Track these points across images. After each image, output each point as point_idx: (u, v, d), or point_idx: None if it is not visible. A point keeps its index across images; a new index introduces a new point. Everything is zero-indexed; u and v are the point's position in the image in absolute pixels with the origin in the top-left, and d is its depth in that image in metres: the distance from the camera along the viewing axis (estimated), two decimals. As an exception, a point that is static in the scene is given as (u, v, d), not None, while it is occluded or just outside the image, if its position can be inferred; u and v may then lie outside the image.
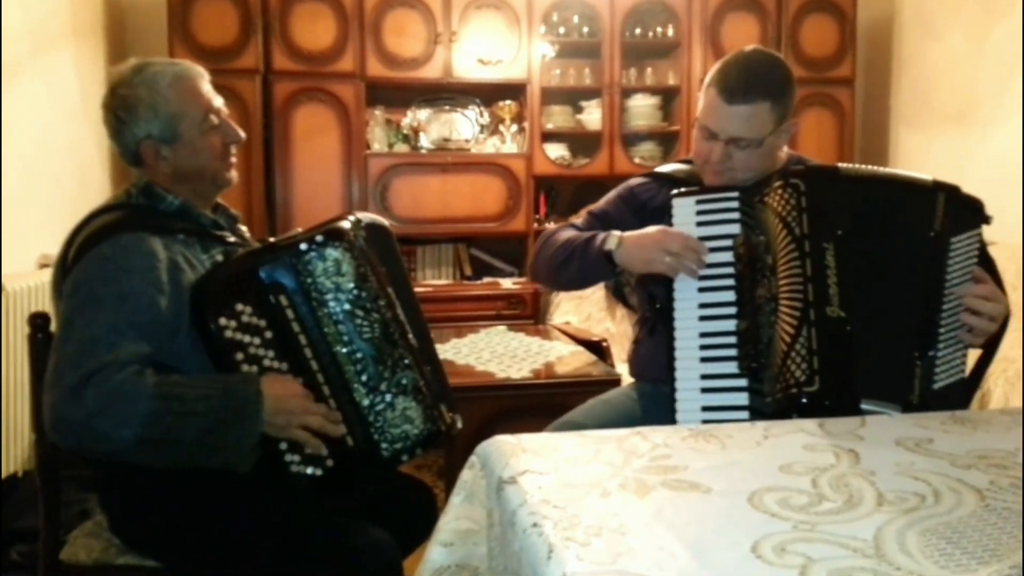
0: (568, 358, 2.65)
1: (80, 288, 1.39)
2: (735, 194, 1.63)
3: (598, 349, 2.91)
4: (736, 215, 1.61)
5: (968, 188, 1.60)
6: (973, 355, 1.60)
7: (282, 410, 1.40)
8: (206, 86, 1.58)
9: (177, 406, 1.34)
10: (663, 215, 1.69)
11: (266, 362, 1.45)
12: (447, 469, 2.53)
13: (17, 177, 2.98)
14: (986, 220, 1.59)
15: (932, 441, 1.26)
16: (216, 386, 1.39)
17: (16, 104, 3.01)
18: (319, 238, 1.46)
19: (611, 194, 1.94)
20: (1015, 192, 3.59)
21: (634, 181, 1.92)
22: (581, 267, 1.76)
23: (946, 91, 4.17)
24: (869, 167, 1.63)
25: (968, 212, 1.58)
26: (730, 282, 1.58)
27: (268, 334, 1.45)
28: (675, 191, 1.68)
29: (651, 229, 1.65)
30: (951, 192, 1.57)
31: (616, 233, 1.70)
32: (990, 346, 1.60)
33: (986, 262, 1.60)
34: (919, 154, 4.36)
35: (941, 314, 1.52)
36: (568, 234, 1.83)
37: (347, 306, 1.46)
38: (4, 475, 2.62)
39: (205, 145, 1.55)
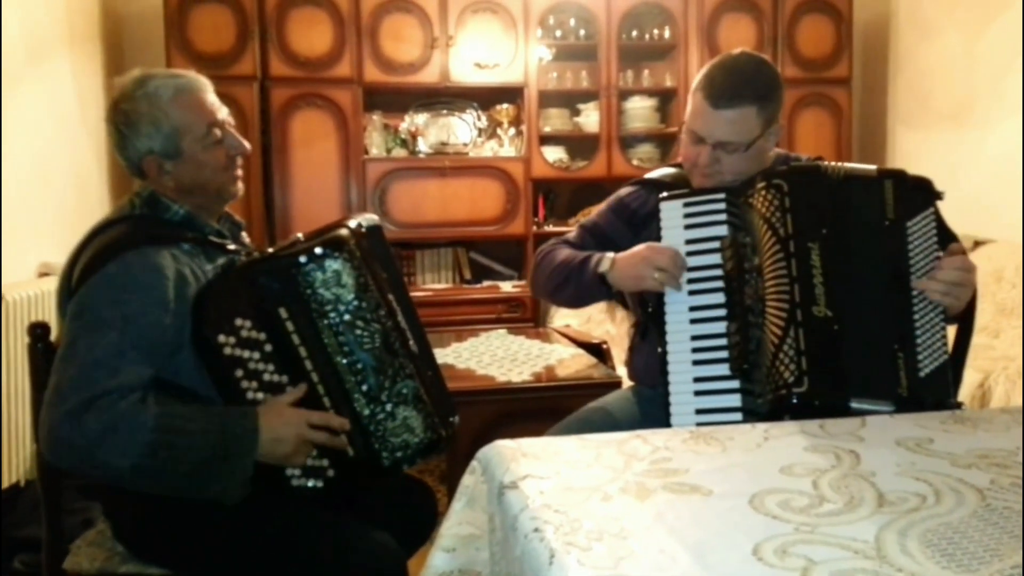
0: (569, 361, 2.65)
1: (85, 310, 1.38)
2: (722, 195, 1.63)
3: (598, 352, 2.91)
4: (723, 216, 1.61)
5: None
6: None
7: (278, 439, 1.40)
8: (210, 97, 1.56)
9: (176, 439, 1.34)
10: (653, 221, 1.69)
11: (266, 376, 1.45)
12: (449, 474, 2.53)
13: (16, 186, 2.98)
14: (938, 196, 1.58)
15: (932, 441, 1.26)
16: (215, 421, 1.39)
17: (15, 113, 3.01)
18: (318, 250, 1.43)
19: (602, 206, 1.95)
20: (1013, 189, 3.59)
21: (623, 191, 1.93)
22: (577, 289, 1.78)
23: (942, 90, 4.18)
24: (848, 164, 1.63)
25: (918, 193, 1.58)
26: (719, 284, 1.59)
27: (267, 347, 1.44)
28: (663, 195, 1.68)
29: (639, 247, 1.66)
30: (897, 178, 1.57)
31: (609, 255, 1.71)
32: (966, 320, 1.61)
33: (948, 238, 1.60)
34: (916, 153, 4.37)
35: (912, 300, 1.52)
36: (564, 254, 1.83)
37: (347, 317, 1.45)
38: (6, 484, 2.62)
39: (208, 159, 1.53)
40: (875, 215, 1.55)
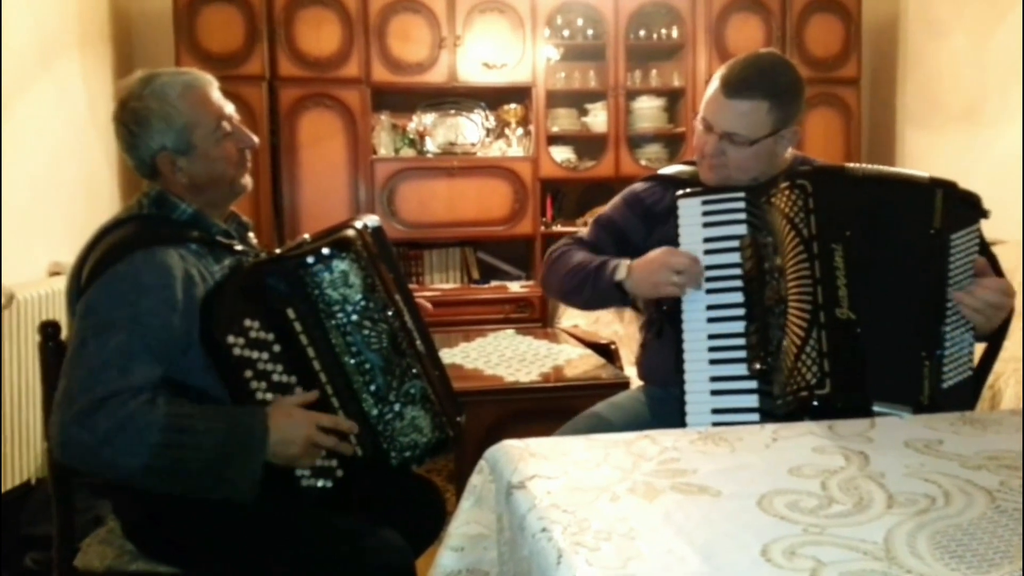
0: (577, 361, 2.65)
1: (94, 310, 1.38)
2: (741, 195, 1.62)
3: (607, 352, 2.91)
4: (743, 216, 1.61)
5: (975, 186, 1.59)
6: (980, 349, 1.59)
7: (287, 440, 1.40)
8: (216, 94, 1.56)
9: (185, 438, 1.34)
10: (669, 217, 1.68)
11: (275, 377, 1.45)
12: (457, 473, 2.53)
13: (27, 186, 2.99)
14: (984, 214, 1.57)
15: (942, 442, 1.26)
16: (224, 419, 1.39)
17: (25, 114, 3.03)
18: (325, 251, 1.44)
19: (616, 200, 1.93)
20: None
21: (638, 186, 1.92)
22: (593, 295, 1.76)
23: (952, 90, 4.16)
24: (874, 166, 1.62)
25: (966, 208, 1.56)
26: (738, 284, 1.58)
27: (276, 348, 1.44)
28: (680, 192, 1.68)
29: (655, 252, 1.64)
30: (948, 188, 1.56)
31: (625, 262, 1.70)
32: (995, 339, 1.60)
33: (987, 257, 1.59)
34: (926, 153, 4.35)
35: (946, 313, 1.51)
36: (579, 257, 1.81)
37: (355, 317, 1.45)
38: (18, 482, 2.64)
39: (220, 153, 1.54)
40: (920, 222, 1.53)
